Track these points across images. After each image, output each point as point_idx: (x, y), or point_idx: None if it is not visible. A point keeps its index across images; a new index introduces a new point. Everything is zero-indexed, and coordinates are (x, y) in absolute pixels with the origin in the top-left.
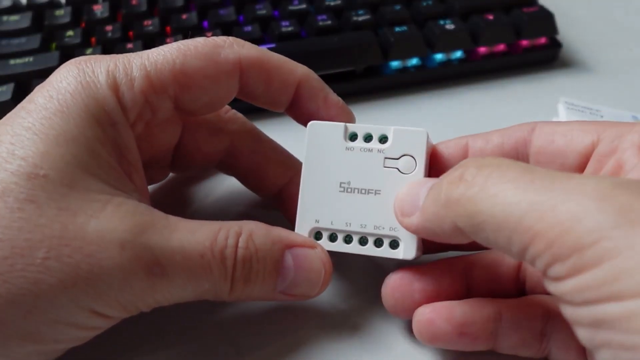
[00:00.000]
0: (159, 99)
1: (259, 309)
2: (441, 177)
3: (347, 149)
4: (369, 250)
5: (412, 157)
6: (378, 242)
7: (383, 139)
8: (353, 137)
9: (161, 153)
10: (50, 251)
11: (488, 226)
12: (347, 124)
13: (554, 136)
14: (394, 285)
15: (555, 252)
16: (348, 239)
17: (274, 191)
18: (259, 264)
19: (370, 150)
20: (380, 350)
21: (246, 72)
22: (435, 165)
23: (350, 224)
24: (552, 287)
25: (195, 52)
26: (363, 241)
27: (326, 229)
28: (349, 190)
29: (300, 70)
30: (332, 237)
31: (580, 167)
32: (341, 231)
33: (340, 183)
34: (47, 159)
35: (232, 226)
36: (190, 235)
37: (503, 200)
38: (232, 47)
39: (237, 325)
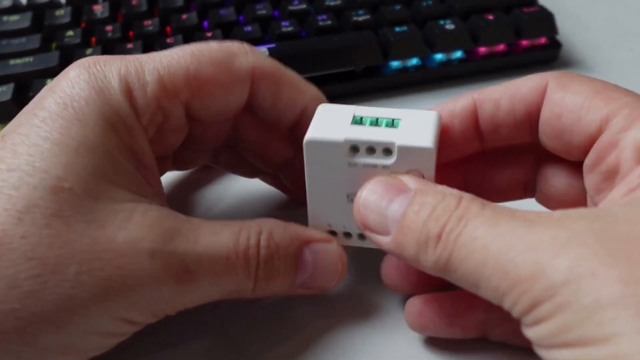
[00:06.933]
0: (171, 103)
1: (260, 309)
2: (413, 210)
3: (350, 164)
4: None
5: (420, 171)
6: None
7: (387, 151)
8: (354, 149)
9: (169, 151)
10: (82, 266)
11: (464, 283)
12: (347, 137)
13: (562, 110)
14: (391, 265)
15: (520, 308)
16: (362, 236)
17: (279, 164)
18: (280, 261)
19: (374, 166)
20: (384, 357)
21: (257, 82)
22: (445, 141)
23: None
24: (524, 330)
25: (210, 59)
26: None
27: (339, 231)
28: None
29: (311, 92)
30: (347, 235)
31: (586, 149)
32: (355, 232)
33: (347, 194)
34: (70, 170)
35: (252, 225)
36: (215, 237)
37: (473, 262)
38: (246, 56)
39: (238, 326)
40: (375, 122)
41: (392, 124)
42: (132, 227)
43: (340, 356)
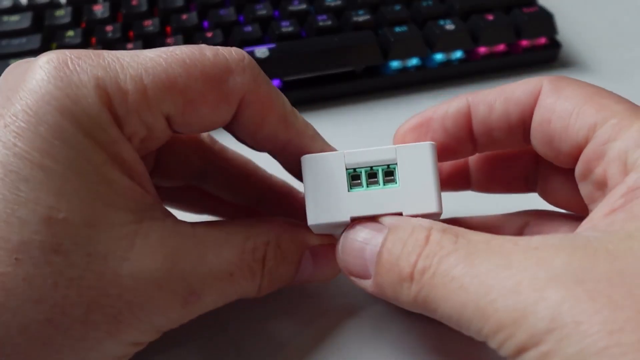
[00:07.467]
0: (154, 117)
1: (260, 309)
2: (387, 250)
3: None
4: None
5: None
6: None
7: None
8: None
9: (151, 150)
10: (92, 305)
11: (446, 322)
12: (352, 215)
13: (552, 116)
14: None
15: (505, 351)
16: None
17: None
18: (284, 268)
19: None
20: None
21: (244, 108)
22: (437, 143)
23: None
24: None
25: (202, 73)
26: None
27: None
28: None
29: (296, 128)
30: None
31: (574, 157)
32: None
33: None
34: (62, 199)
35: (259, 235)
36: (219, 253)
37: (452, 303)
38: (242, 75)
39: (238, 326)
40: (371, 170)
41: (388, 169)
42: (135, 255)
43: (342, 356)
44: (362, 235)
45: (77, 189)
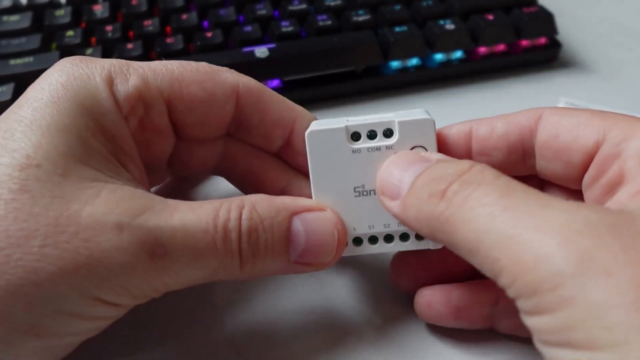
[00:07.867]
0: (153, 98)
1: (260, 309)
2: (427, 172)
3: (354, 151)
4: (396, 246)
5: (423, 147)
6: (404, 237)
7: (388, 133)
8: (356, 136)
9: (157, 160)
10: (47, 239)
11: (462, 248)
12: (348, 124)
13: (559, 130)
14: (400, 264)
15: (519, 288)
16: (373, 240)
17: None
18: (265, 233)
19: (377, 148)
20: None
21: (243, 97)
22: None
23: (373, 226)
24: (523, 318)
25: (196, 68)
26: (388, 239)
27: (349, 235)
28: (365, 193)
29: (298, 109)
30: (357, 241)
31: (585, 166)
32: (365, 235)
33: (355, 188)
34: (40, 149)
35: (234, 200)
36: (191, 213)
37: (476, 227)
38: (232, 73)
39: (238, 326)
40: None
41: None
42: (99, 202)
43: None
44: (408, 160)
45: (56, 144)
